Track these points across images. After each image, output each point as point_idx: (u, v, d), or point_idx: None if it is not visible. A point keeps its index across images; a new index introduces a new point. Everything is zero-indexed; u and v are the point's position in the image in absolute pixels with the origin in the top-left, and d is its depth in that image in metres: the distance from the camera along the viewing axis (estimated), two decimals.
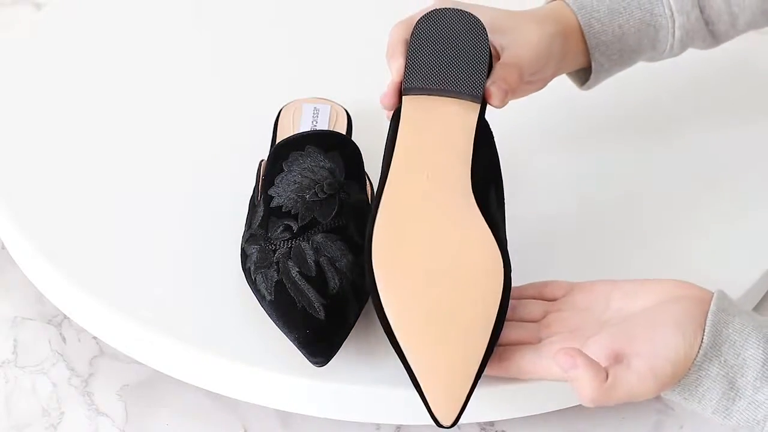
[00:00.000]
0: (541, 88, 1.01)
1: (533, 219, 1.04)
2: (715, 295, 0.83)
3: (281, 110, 1.10)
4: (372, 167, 1.04)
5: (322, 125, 1.08)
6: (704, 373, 0.80)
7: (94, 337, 1.02)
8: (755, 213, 1.08)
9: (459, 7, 0.95)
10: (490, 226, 0.88)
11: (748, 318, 0.82)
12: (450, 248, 0.87)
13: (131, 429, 0.97)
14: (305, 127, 1.07)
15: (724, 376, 0.80)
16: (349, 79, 1.18)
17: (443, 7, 0.95)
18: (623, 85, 1.15)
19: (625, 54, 1.01)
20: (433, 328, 0.85)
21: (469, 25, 0.94)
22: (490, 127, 0.93)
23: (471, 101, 0.93)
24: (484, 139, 0.92)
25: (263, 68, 1.22)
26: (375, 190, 1.03)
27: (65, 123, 1.15)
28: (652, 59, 1.03)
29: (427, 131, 0.92)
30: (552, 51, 0.97)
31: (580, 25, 0.99)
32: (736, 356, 0.80)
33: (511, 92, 0.94)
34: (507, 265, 0.87)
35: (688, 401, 0.82)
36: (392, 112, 0.94)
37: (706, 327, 0.81)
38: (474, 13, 0.95)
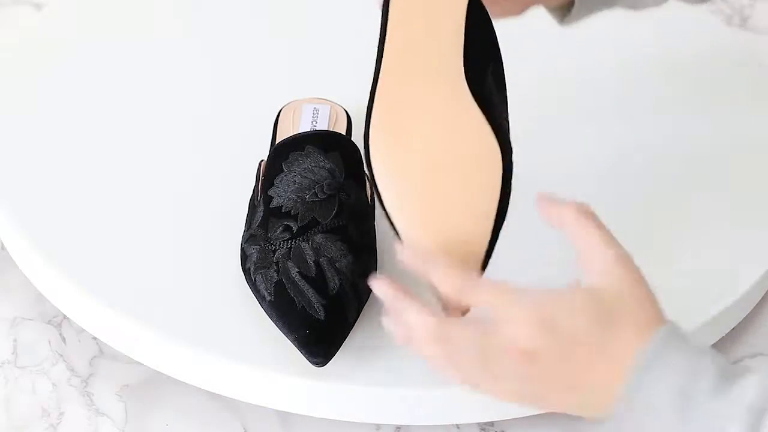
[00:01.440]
0: (518, 13, 0.98)
1: (533, 218, 1.04)
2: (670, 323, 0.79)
3: (281, 110, 1.10)
4: None
5: (322, 125, 1.07)
6: (652, 378, 0.75)
7: (94, 338, 1.02)
8: (755, 213, 1.08)
9: None
10: (485, 112, 0.86)
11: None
12: (444, 138, 0.86)
13: (131, 429, 0.97)
14: (305, 127, 1.07)
15: (674, 384, 0.75)
16: (349, 79, 1.18)
17: None
18: (623, 84, 1.15)
19: None
20: (434, 218, 0.84)
21: None
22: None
23: None
24: (476, 20, 0.89)
25: (263, 68, 1.22)
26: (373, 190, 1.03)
27: (65, 123, 1.15)
28: (634, 5, 1.00)
29: (417, 18, 0.89)
30: None
31: None
32: (690, 365, 0.75)
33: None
34: (505, 150, 0.86)
35: (643, 414, 0.76)
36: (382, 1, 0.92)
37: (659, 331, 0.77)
38: None
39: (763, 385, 0.74)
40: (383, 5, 0.91)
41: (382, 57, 0.89)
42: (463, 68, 0.87)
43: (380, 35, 0.90)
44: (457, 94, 0.87)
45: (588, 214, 0.81)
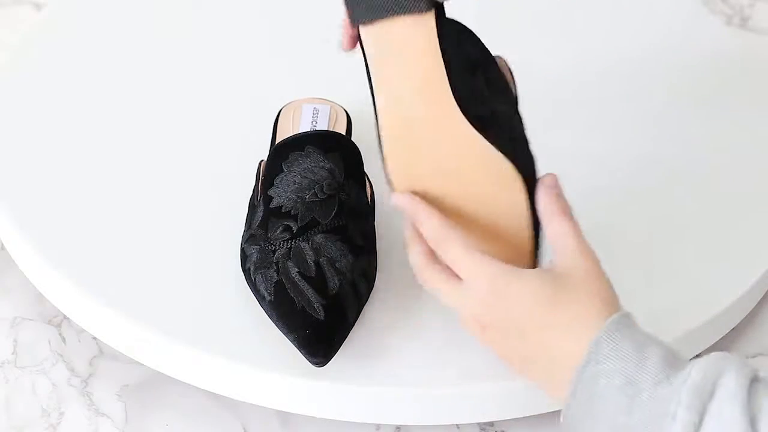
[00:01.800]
0: None
1: None
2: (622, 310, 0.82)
3: (281, 110, 1.10)
4: (372, 167, 1.04)
5: (322, 125, 1.07)
6: (601, 367, 0.78)
7: (94, 338, 1.02)
8: (755, 213, 1.08)
9: None
10: (486, 134, 0.86)
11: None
12: (457, 177, 0.87)
13: (131, 429, 0.97)
14: (305, 127, 1.07)
15: (621, 371, 0.77)
16: (349, 79, 1.18)
17: None
18: (622, 85, 1.15)
19: None
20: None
21: None
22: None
23: (419, 14, 0.87)
24: (453, 41, 0.88)
25: (263, 68, 1.22)
26: (373, 191, 1.03)
27: (65, 123, 1.15)
28: None
29: (393, 57, 0.88)
30: None
31: None
32: (637, 352, 0.78)
33: None
34: (518, 161, 0.86)
35: (590, 403, 0.78)
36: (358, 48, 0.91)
37: (608, 321, 0.80)
38: None
39: (707, 368, 0.76)
40: (364, 61, 0.91)
41: (374, 98, 0.89)
42: (453, 95, 0.87)
43: (369, 85, 0.90)
44: (454, 127, 0.87)
45: (558, 203, 0.86)
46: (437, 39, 0.87)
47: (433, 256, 0.87)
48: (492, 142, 0.86)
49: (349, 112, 1.10)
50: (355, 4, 0.88)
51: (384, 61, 0.88)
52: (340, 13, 1.27)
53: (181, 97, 1.18)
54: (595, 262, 0.84)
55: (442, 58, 0.86)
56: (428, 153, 0.87)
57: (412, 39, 0.87)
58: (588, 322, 0.80)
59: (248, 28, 1.27)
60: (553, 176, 0.87)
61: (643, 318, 0.97)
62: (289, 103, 1.10)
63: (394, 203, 0.89)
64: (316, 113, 1.09)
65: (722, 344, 1.03)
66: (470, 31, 0.89)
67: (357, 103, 1.10)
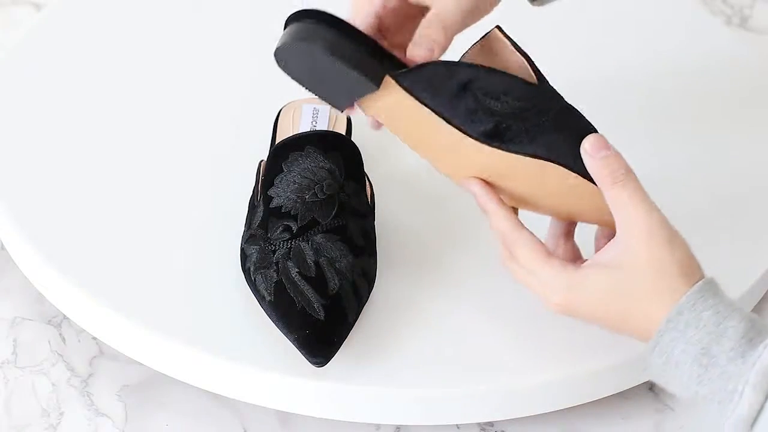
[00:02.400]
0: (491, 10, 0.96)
1: (533, 218, 1.04)
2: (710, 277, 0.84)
3: (281, 110, 1.10)
4: (372, 167, 1.04)
5: (322, 125, 1.07)
6: (679, 334, 0.80)
7: (94, 338, 1.02)
8: (755, 213, 1.08)
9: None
10: (500, 147, 0.87)
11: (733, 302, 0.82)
12: (505, 184, 0.89)
13: (131, 429, 0.97)
14: (305, 127, 1.07)
15: (698, 341, 0.79)
16: None
17: (281, 45, 0.90)
18: (621, 85, 1.15)
19: None
20: None
21: (309, 53, 0.88)
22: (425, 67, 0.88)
23: (375, 92, 0.88)
24: (425, 86, 0.87)
25: (263, 68, 1.21)
26: (373, 191, 1.03)
27: (65, 124, 1.15)
28: None
29: (391, 117, 0.90)
30: None
31: None
32: (716, 325, 0.79)
33: (439, 47, 0.89)
34: (555, 154, 0.87)
35: (666, 366, 0.81)
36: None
37: (692, 289, 0.81)
38: None
39: None
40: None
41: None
42: (456, 131, 0.87)
43: None
44: (476, 152, 0.87)
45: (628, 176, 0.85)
46: (409, 96, 0.87)
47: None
48: (512, 150, 0.87)
49: None
50: (327, 98, 0.90)
51: (389, 119, 0.90)
52: (340, 13, 1.27)
53: (181, 97, 1.18)
54: (662, 236, 0.84)
55: (424, 107, 0.87)
56: (476, 172, 0.89)
57: (390, 105, 0.88)
58: (668, 294, 0.82)
59: (248, 28, 1.27)
60: (594, 139, 0.86)
61: None
62: (289, 103, 1.10)
63: (465, 187, 0.89)
64: (316, 113, 1.09)
65: None
66: (439, 64, 0.88)
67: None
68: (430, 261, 1.02)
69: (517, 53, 0.89)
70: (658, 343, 0.81)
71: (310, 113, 1.09)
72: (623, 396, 0.99)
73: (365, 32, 0.90)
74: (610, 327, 0.86)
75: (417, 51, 0.88)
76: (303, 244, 0.95)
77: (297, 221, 0.96)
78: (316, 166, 0.98)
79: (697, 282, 0.82)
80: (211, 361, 0.95)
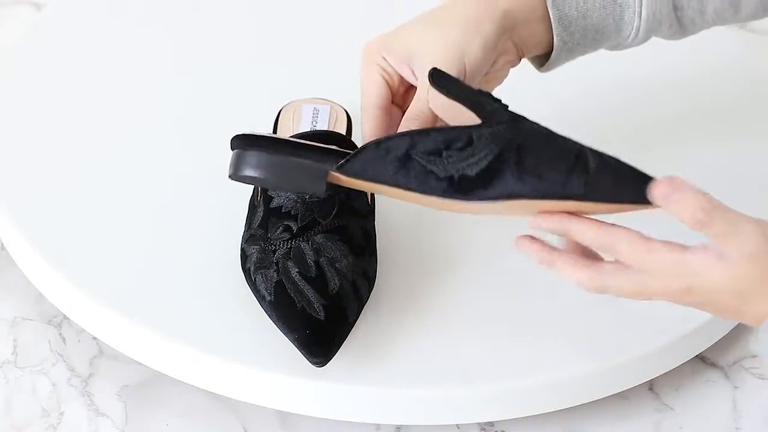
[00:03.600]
0: (501, 81, 0.97)
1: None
2: None
3: (281, 110, 1.10)
4: None
5: (322, 125, 1.07)
6: None
7: (94, 337, 1.02)
8: (755, 213, 1.08)
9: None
10: (478, 195, 0.84)
11: None
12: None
13: (131, 429, 0.97)
14: (305, 127, 1.07)
15: None
16: (349, 79, 1.18)
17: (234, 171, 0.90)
18: (621, 84, 1.15)
19: (588, 33, 0.96)
20: None
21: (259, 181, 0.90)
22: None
23: (324, 191, 0.88)
24: (370, 172, 0.87)
25: (263, 68, 1.22)
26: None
27: (65, 123, 1.15)
28: (616, 46, 0.99)
29: (368, 191, 0.91)
30: (481, 59, 0.92)
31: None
32: None
33: (428, 123, 0.90)
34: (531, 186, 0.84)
35: None
36: None
37: None
38: (389, 40, 0.93)
39: None
40: None
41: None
42: (424, 197, 0.86)
43: None
44: (454, 206, 0.86)
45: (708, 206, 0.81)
46: (361, 182, 0.87)
47: (588, 260, 0.84)
48: (477, 199, 0.84)
49: (349, 112, 1.10)
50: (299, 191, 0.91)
51: (364, 190, 0.90)
52: (340, 13, 1.27)
53: (181, 98, 1.18)
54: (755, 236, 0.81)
55: (380, 184, 0.86)
56: (475, 214, 0.87)
57: (354, 185, 0.88)
58: None
59: (248, 28, 1.27)
60: (657, 185, 0.82)
61: (644, 318, 0.98)
62: (289, 103, 1.10)
63: (538, 227, 0.85)
64: (316, 113, 1.09)
65: (722, 344, 1.03)
66: (371, 146, 0.86)
67: (357, 103, 1.10)
68: (430, 261, 1.02)
69: (451, 98, 0.87)
70: None
71: (310, 113, 1.09)
72: (623, 396, 0.99)
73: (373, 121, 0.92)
74: (725, 311, 0.83)
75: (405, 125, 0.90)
76: (303, 244, 0.95)
77: (297, 221, 0.96)
78: None
79: None
80: (211, 361, 0.95)
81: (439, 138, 0.85)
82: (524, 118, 0.86)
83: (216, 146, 1.13)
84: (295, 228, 0.96)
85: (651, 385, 1.00)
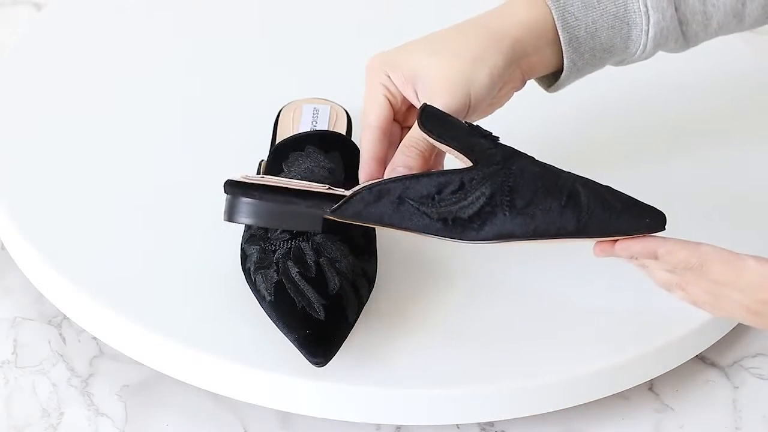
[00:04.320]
0: (518, 89, 0.97)
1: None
2: None
3: (281, 110, 1.10)
4: None
5: (322, 125, 1.07)
6: None
7: (94, 338, 1.02)
8: (755, 213, 1.08)
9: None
10: (477, 228, 0.86)
11: None
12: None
13: (131, 429, 0.97)
14: (305, 127, 1.07)
15: None
16: (349, 79, 1.18)
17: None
18: (621, 84, 1.15)
19: (596, 53, 0.97)
20: None
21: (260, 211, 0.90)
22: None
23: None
24: (364, 218, 0.88)
25: (263, 68, 1.22)
26: None
27: (65, 123, 1.15)
28: (621, 62, 1.00)
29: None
30: (487, 89, 0.93)
31: (553, 20, 0.95)
32: None
33: (425, 151, 0.90)
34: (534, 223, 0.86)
35: None
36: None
37: None
38: (392, 59, 0.93)
39: None
40: None
41: None
42: (420, 234, 0.87)
43: None
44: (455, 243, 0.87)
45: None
46: (360, 224, 0.88)
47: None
48: (471, 240, 0.86)
49: (349, 112, 1.10)
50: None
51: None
52: (340, 13, 1.27)
53: (181, 98, 1.18)
54: None
55: (384, 227, 0.87)
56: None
57: (353, 222, 0.89)
58: None
59: (248, 28, 1.27)
60: (621, 247, 0.86)
61: (646, 317, 0.98)
62: (289, 103, 1.11)
63: (625, 253, 0.88)
64: (316, 113, 1.09)
65: (722, 344, 1.03)
66: (363, 191, 0.87)
67: (357, 103, 1.10)
68: (430, 261, 1.02)
69: (440, 142, 0.88)
70: None
71: (310, 113, 1.09)
72: (623, 396, 0.99)
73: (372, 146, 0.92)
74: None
75: (399, 159, 0.90)
76: (303, 244, 0.95)
77: None
78: (316, 166, 0.98)
79: None
80: (211, 361, 0.95)
81: (430, 183, 0.86)
82: (517, 154, 0.87)
83: (216, 146, 1.13)
84: None
85: (651, 385, 1.00)
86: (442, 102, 0.90)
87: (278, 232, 0.96)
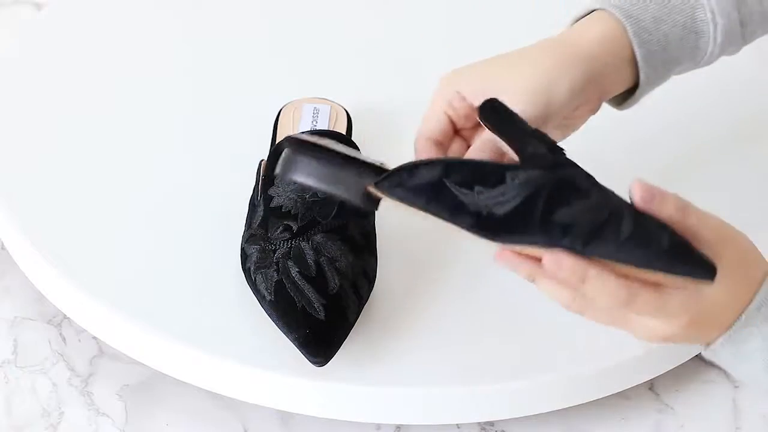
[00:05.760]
0: (576, 129, 0.95)
1: None
2: None
3: (281, 110, 1.10)
4: None
5: (322, 125, 1.07)
6: (756, 330, 0.78)
7: (94, 337, 1.02)
8: (755, 213, 1.08)
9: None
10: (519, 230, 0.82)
11: None
12: None
13: (131, 429, 0.97)
14: (305, 127, 1.07)
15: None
16: (349, 79, 1.18)
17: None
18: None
19: (668, 66, 0.95)
20: None
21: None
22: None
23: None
24: (403, 194, 0.84)
25: (263, 68, 1.22)
26: None
27: (65, 123, 1.15)
28: (682, 71, 0.98)
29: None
30: (566, 101, 0.91)
31: (628, 37, 0.93)
32: None
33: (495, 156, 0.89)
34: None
35: (736, 358, 0.79)
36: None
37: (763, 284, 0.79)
38: (467, 73, 0.91)
39: None
40: None
41: None
42: (451, 225, 0.83)
43: None
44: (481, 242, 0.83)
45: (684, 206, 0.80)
46: (396, 201, 0.84)
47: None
48: (500, 241, 0.81)
49: (349, 112, 1.10)
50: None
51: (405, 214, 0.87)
52: (341, 13, 1.27)
53: (181, 97, 1.18)
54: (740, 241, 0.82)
55: (413, 209, 0.84)
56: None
57: (392, 206, 0.85)
58: (745, 293, 0.80)
59: (248, 28, 1.27)
60: (638, 187, 0.79)
61: None
62: (289, 102, 1.11)
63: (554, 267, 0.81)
64: (316, 113, 1.09)
65: None
66: (406, 167, 0.84)
67: (357, 103, 1.11)
68: (430, 261, 1.02)
69: (495, 132, 0.86)
70: (732, 340, 0.79)
71: (310, 113, 1.09)
72: (623, 396, 0.99)
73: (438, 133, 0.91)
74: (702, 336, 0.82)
75: None
76: (303, 244, 0.95)
77: (297, 221, 0.96)
78: None
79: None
80: (211, 361, 0.95)
81: (473, 170, 0.83)
82: (571, 165, 0.83)
83: (216, 146, 1.13)
84: (295, 227, 0.96)
85: (651, 385, 1.00)
86: (519, 109, 0.88)
87: (278, 231, 0.96)
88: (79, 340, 1.03)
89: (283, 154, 0.86)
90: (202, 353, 0.95)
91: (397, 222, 1.04)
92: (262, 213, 0.98)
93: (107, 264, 1.02)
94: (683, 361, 1.00)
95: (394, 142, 1.08)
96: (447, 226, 0.84)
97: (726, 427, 0.99)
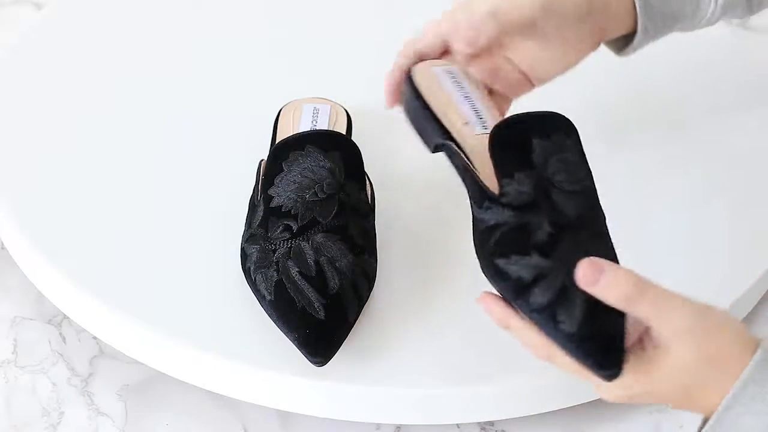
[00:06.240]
0: (593, 49, 0.97)
1: None
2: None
3: (281, 110, 1.10)
4: (372, 167, 1.04)
5: (322, 125, 1.07)
6: (745, 408, 0.76)
7: (94, 337, 1.02)
8: (755, 213, 1.08)
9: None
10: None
11: None
12: None
13: (131, 429, 0.97)
14: (305, 127, 1.07)
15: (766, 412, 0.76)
16: (349, 79, 1.18)
17: None
18: (621, 84, 1.15)
19: (667, 20, 0.96)
20: None
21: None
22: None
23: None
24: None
25: (263, 68, 1.22)
26: (373, 190, 1.03)
27: (65, 123, 1.15)
28: (684, 28, 1.00)
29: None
30: (570, 4, 0.93)
31: None
32: None
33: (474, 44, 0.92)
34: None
35: None
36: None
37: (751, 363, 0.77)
38: None
39: None
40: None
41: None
42: None
43: None
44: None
45: (641, 285, 0.78)
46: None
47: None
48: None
49: (349, 112, 1.10)
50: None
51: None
52: (341, 13, 1.27)
53: (181, 97, 1.18)
54: (713, 316, 0.78)
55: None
56: None
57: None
58: (730, 368, 0.77)
59: (248, 28, 1.27)
60: (584, 271, 0.78)
61: None
62: (289, 102, 1.11)
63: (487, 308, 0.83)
64: (316, 113, 1.09)
65: None
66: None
67: (357, 103, 1.11)
68: (430, 261, 1.02)
69: (491, 156, 0.87)
70: (721, 420, 0.76)
71: (310, 113, 1.09)
72: None
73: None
74: (676, 404, 0.81)
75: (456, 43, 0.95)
76: (303, 244, 0.95)
77: (297, 221, 0.96)
78: (316, 166, 0.98)
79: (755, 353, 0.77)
80: (211, 361, 0.95)
81: (474, 185, 0.87)
82: (537, 209, 0.83)
83: (216, 146, 1.13)
84: (295, 227, 0.96)
85: None
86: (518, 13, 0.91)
87: (278, 231, 0.96)
88: (79, 340, 1.03)
89: (407, 78, 0.94)
90: (202, 353, 0.95)
91: (397, 222, 1.04)
92: (262, 213, 0.98)
93: (107, 264, 1.02)
94: None
95: (394, 142, 1.09)
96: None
97: None
